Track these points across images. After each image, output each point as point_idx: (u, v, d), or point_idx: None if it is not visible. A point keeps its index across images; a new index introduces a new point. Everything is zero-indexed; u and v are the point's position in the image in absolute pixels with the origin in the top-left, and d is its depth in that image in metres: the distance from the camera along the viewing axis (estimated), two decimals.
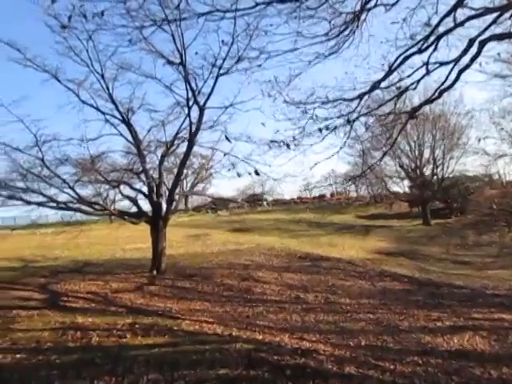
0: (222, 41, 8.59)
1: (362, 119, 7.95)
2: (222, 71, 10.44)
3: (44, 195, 10.43)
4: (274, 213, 42.80)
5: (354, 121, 7.21)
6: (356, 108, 7.47)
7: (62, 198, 10.88)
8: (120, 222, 13.03)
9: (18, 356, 5.06)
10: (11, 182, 10.23)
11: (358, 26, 6.77)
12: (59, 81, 10.66)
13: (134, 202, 12.39)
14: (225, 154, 11.66)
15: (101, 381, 4.30)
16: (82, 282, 10.57)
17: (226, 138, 10.41)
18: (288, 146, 7.48)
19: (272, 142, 7.89)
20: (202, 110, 11.02)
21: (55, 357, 4.99)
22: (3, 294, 9.11)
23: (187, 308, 8.45)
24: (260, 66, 7.59)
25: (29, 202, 10.32)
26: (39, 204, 10.52)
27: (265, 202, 51.29)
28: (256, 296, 10.13)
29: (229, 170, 11.38)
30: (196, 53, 9.38)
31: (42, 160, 10.10)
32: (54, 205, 10.75)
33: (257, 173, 9.79)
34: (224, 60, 10.12)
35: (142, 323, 6.52)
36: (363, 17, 6.67)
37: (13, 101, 9.99)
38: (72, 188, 10.50)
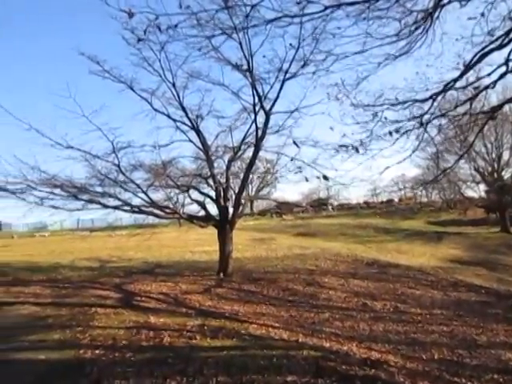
0: (290, 44, 8.56)
1: (435, 121, 7.56)
2: (288, 76, 10.43)
3: (119, 199, 11.02)
4: (340, 217, 42.07)
5: (427, 123, 6.86)
6: (429, 109, 7.13)
7: (136, 201, 11.46)
8: (189, 226, 13.44)
9: (96, 352, 5.36)
10: (90, 186, 10.90)
11: (430, 24, 6.46)
12: (134, 90, 11.27)
13: (203, 205, 12.72)
14: (292, 159, 11.63)
15: (173, 380, 4.42)
16: (154, 282, 11.01)
17: (294, 143, 10.38)
18: (357, 150, 7.29)
19: (341, 146, 7.72)
20: (268, 115, 11.08)
21: (130, 354, 5.21)
22: (84, 292, 9.75)
23: (253, 311, 8.50)
24: (327, 69, 7.47)
25: (106, 206, 10.96)
26: (115, 207, 11.14)
27: (330, 207, 50.53)
28: (321, 302, 9.97)
29: (296, 173, 11.35)
30: (264, 56, 9.43)
31: (118, 166, 10.69)
32: (129, 208, 11.33)
33: (325, 177, 9.67)
34: (290, 64, 10.11)
35: (211, 325, 6.65)
36: (436, 14, 6.34)
37: (93, 111, 10.61)
38: (145, 192, 11.00)
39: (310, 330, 7.39)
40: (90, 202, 10.79)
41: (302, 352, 5.49)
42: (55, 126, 10.41)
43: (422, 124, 6.88)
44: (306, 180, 11.17)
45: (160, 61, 10.61)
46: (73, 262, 16.93)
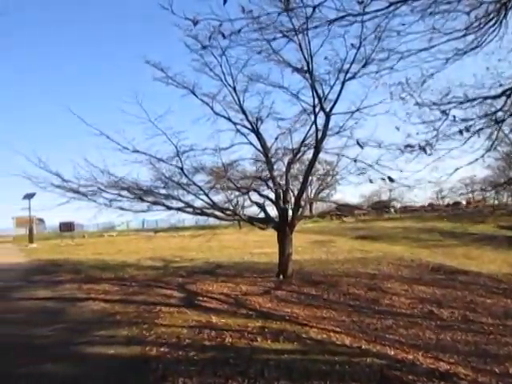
0: (352, 44, 8.39)
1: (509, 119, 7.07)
2: (348, 76, 10.21)
3: (182, 201, 11.35)
4: (403, 220, 40.58)
5: (502, 121, 6.43)
6: (502, 107, 6.69)
7: (198, 203, 11.75)
8: (249, 228, 13.55)
9: (161, 349, 5.53)
10: (155, 189, 11.33)
11: (504, 16, 6.05)
12: (196, 95, 11.57)
13: (262, 208, 12.79)
14: (355, 161, 11.36)
15: (234, 381, 4.46)
16: (215, 283, 11.22)
17: (358, 144, 10.14)
18: (424, 150, 6.98)
19: (406, 146, 7.43)
20: (328, 116, 10.93)
21: (193, 353, 5.32)
22: (149, 291, 10.13)
23: (313, 315, 8.40)
24: (391, 68, 7.23)
25: (169, 208, 11.35)
26: (178, 209, 11.50)
27: (392, 209, 48.91)
28: (384, 308, 9.66)
29: (359, 174, 11.12)
30: (325, 58, 9.29)
31: (182, 169, 11.01)
32: (191, 210, 11.64)
33: (391, 179, 9.36)
34: (351, 64, 9.90)
35: (271, 327, 6.64)
36: (510, 4, 5.92)
37: (158, 116, 11.03)
38: (207, 194, 11.25)
39: (372, 336, 7.18)
40: (155, 203, 11.21)
41: (365, 359, 5.33)
42: (123, 131, 10.85)
43: (497, 122, 6.45)
44: (371, 182, 10.91)
45: (221, 65, 10.81)
46: (138, 261, 17.67)
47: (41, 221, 54.79)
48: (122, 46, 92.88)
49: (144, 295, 9.61)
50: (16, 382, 4.72)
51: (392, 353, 6.12)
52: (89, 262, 17.81)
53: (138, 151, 10.95)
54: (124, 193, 10.93)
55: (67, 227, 41.86)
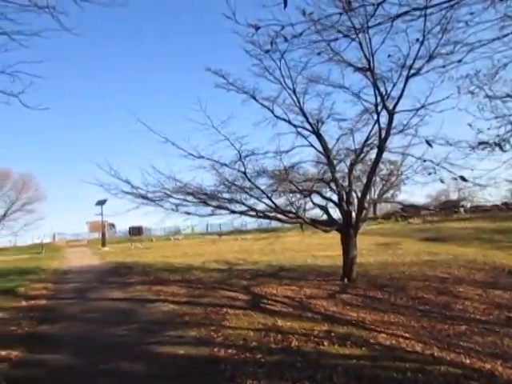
0: (417, 39, 8.07)
1: None
2: (412, 72, 9.83)
3: (245, 205, 11.50)
4: (474, 221, 38.22)
5: None
6: None
7: (260, 207, 11.83)
8: (312, 230, 13.43)
9: (229, 351, 5.63)
10: (219, 193, 11.58)
11: None
12: (256, 100, 11.68)
13: (325, 210, 12.64)
14: (424, 160, 10.93)
15: None
16: (279, 286, 11.22)
17: (427, 143, 9.74)
18: (500, 147, 6.55)
19: (481, 143, 7.02)
20: (391, 114, 10.58)
21: (260, 356, 5.36)
22: (215, 293, 10.35)
23: (381, 320, 8.14)
24: (460, 60, 6.86)
25: (233, 211, 11.54)
26: (241, 213, 11.66)
27: (462, 209, 46.35)
28: (456, 313, 9.13)
29: (429, 174, 10.68)
30: (389, 55, 9.02)
31: (245, 173, 11.16)
32: (254, 213, 11.76)
33: (463, 179, 8.87)
34: (414, 60, 9.54)
35: (338, 332, 6.53)
36: None
37: (221, 121, 11.27)
38: (269, 198, 11.30)
39: (445, 343, 6.82)
40: (219, 207, 11.47)
41: (439, 367, 5.08)
42: (188, 138, 11.24)
43: None
44: (441, 182, 10.45)
45: (280, 69, 10.84)
46: (203, 263, 18.11)
47: (112, 225, 57.88)
48: (185, 56, 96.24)
49: (210, 297, 9.84)
50: (96, 378, 5.03)
51: (467, 361, 5.78)
52: (157, 265, 18.54)
53: (202, 157, 11.27)
54: (189, 198, 11.28)
55: (136, 231, 43.94)
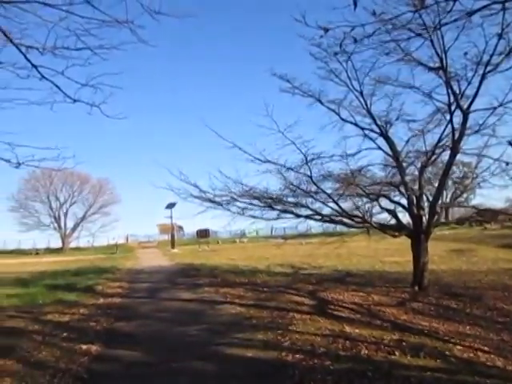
0: (499, 34, 7.56)
1: None
2: (489, 68, 9.25)
3: (311, 209, 11.44)
4: None
5: None
6: None
7: (326, 211, 11.71)
8: (379, 235, 13.07)
9: (297, 356, 5.61)
10: (284, 197, 11.62)
11: None
12: (322, 103, 11.60)
13: (394, 214, 12.23)
14: (507, 164, 10.27)
15: None
16: (346, 291, 11.02)
17: (509, 143, 9.12)
18: None
19: None
20: (465, 114, 10.03)
21: (328, 362, 5.29)
22: (281, 297, 10.37)
23: (455, 331, 7.70)
24: None
25: (298, 215, 11.54)
26: (307, 217, 11.62)
27: None
28: None
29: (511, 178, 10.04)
30: (465, 53, 8.59)
31: (311, 177, 11.10)
32: (319, 217, 11.67)
33: None
34: (491, 55, 8.97)
35: (410, 342, 6.28)
36: None
37: (287, 126, 11.31)
38: (336, 202, 11.14)
39: None
40: (284, 211, 11.51)
41: None
42: (255, 142, 11.44)
43: None
44: None
45: (347, 71, 10.68)
46: (268, 267, 18.25)
47: (180, 228, 60.14)
48: (251, 61, 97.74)
49: (276, 301, 9.87)
50: (169, 375, 5.24)
51: None
52: (223, 267, 18.94)
53: (268, 161, 11.37)
54: (255, 201, 11.44)
55: (203, 234, 45.20)
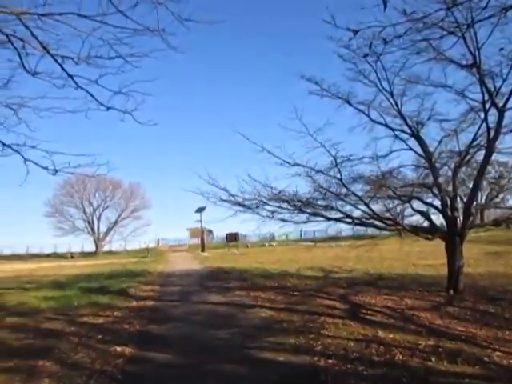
0: None
1: None
2: None
3: (341, 211, 11.31)
4: None
5: None
6: None
7: (356, 213, 11.55)
8: (412, 238, 12.78)
9: (329, 361, 5.54)
10: (314, 200, 11.53)
11: None
12: (351, 104, 11.47)
13: (426, 216, 11.95)
14: None
15: None
16: (378, 295, 10.83)
17: None
18: None
19: None
20: (501, 112, 9.70)
21: (362, 368, 5.20)
22: (312, 300, 10.30)
23: (494, 336, 7.43)
24: None
25: (328, 218, 11.42)
26: (337, 219, 11.49)
27: None
28: None
29: None
30: (501, 49, 8.32)
31: (341, 180, 10.98)
32: (350, 220, 11.51)
33: None
34: None
35: (446, 347, 6.09)
36: None
37: (317, 129, 11.24)
38: (367, 204, 10.98)
39: None
40: (314, 214, 11.42)
41: None
42: (284, 145, 11.43)
43: None
44: None
45: (376, 72, 10.54)
46: (298, 270, 18.16)
47: (210, 232, 60.72)
48: (279, 65, 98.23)
49: (307, 305, 9.81)
50: (201, 378, 5.29)
51: None
52: (253, 270, 18.99)
53: (298, 164, 11.33)
54: (284, 205, 11.40)
55: (233, 237, 45.61)
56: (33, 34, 4.94)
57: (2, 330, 8.40)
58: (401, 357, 5.60)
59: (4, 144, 7.68)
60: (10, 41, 5.10)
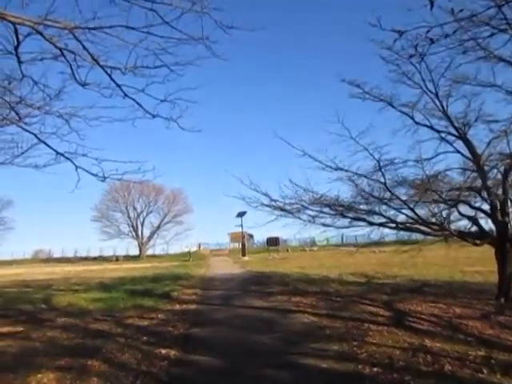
0: None
1: None
2: None
3: (384, 216, 11.08)
4: None
5: None
6: None
7: (400, 218, 11.28)
8: (459, 243, 12.33)
9: (374, 369, 5.41)
10: (356, 205, 11.37)
11: None
12: (394, 107, 11.26)
13: (475, 221, 11.48)
14: None
15: None
16: (423, 302, 10.51)
17: None
18: None
19: None
20: None
21: (408, 377, 5.05)
22: (355, 307, 10.13)
23: None
24: None
25: (371, 223, 11.22)
26: (380, 224, 11.27)
27: None
28: None
29: None
30: None
31: (385, 184, 10.77)
32: (394, 225, 11.25)
33: None
34: None
35: (498, 358, 5.82)
36: None
37: (360, 132, 11.16)
38: (412, 209, 10.69)
39: None
40: (356, 219, 11.25)
41: None
42: (325, 150, 11.36)
43: None
44: None
45: (420, 73, 10.30)
46: (340, 275, 17.93)
47: (250, 236, 61.04)
48: (319, 69, 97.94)
49: (350, 311, 9.66)
50: (247, 382, 5.33)
51: None
52: (294, 275, 18.91)
53: (340, 169, 11.23)
54: (326, 209, 11.31)
55: (273, 242, 45.55)
56: (84, 47, 5.20)
57: (54, 330, 8.79)
58: (450, 367, 5.39)
59: (57, 152, 8.08)
60: (62, 54, 5.39)
